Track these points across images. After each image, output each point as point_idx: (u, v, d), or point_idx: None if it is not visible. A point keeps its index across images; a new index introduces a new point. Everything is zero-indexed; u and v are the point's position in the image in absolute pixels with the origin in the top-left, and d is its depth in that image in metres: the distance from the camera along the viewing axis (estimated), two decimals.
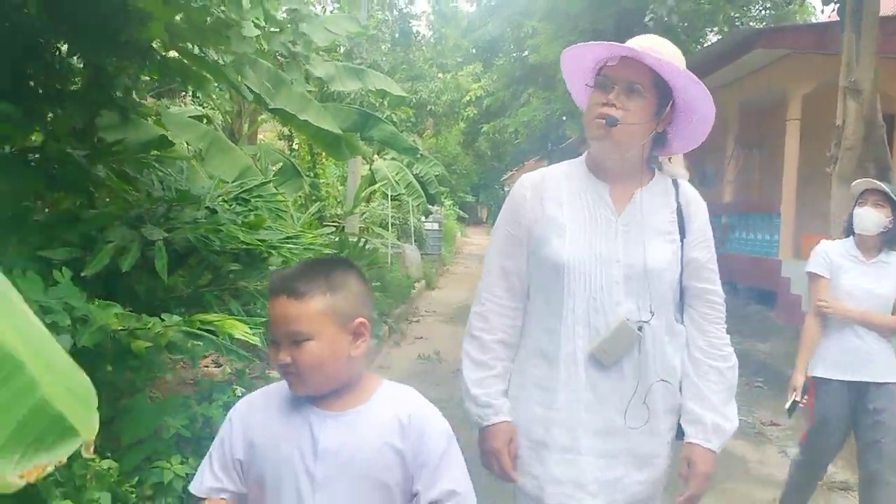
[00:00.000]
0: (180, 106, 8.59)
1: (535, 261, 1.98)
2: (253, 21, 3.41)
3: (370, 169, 15.24)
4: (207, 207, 3.70)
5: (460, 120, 24.84)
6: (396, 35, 15.41)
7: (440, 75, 20.69)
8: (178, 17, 2.95)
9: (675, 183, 2.01)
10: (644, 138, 1.91)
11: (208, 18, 2.69)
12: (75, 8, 2.53)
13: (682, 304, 1.99)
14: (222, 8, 2.68)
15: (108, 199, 3.42)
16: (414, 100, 19.38)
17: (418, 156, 11.86)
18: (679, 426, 1.99)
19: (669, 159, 2.07)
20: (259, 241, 3.42)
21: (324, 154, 11.37)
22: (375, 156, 16.05)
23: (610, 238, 1.92)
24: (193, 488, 1.52)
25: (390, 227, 13.89)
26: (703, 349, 1.97)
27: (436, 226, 20.27)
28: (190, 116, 6.20)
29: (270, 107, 5.26)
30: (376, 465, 1.44)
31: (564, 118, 15.98)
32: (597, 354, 1.88)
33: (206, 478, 1.51)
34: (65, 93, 3.22)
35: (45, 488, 2.23)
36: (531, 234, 1.98)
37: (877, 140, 6.73)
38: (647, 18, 11.22)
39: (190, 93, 8.49)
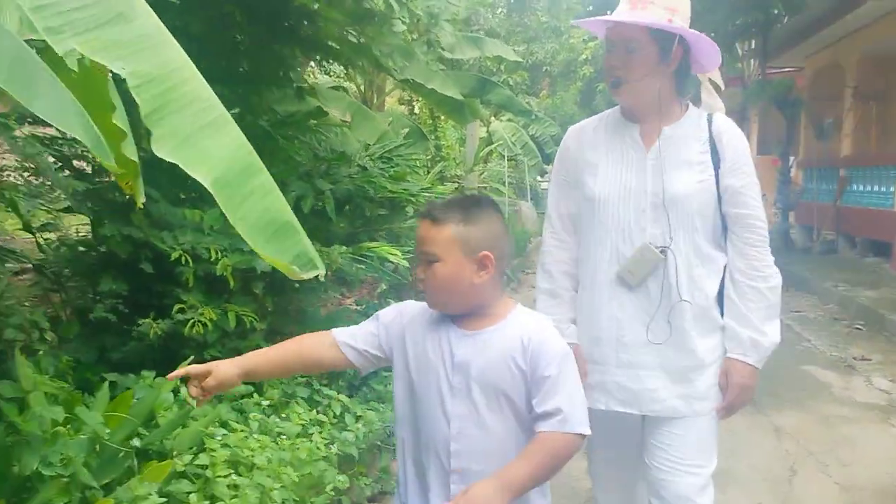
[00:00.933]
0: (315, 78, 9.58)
1: (578, 201, 2.20)
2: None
3: (487, 131, 15.95)
4: (359, 165, 4.56)
5: (577, 80, 25.02)
6: (511, 1, 15.94)
7: (552, 36, 20.99)
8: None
9: (708, 117, 2.14)
10: (657, 83, 2.06)
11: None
12: (269, 8, 3.33)
13: (724, 231, 2.13)
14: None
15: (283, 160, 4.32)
16: (529, 62, 19.86)
17: (533, 117, 12.42)
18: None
19: (704, 78, 2.24)
20: (402, 190, 4.24)
21: (443, 118, 12.16)
22: (492, 118, 16.71)
23: (639, 172, 2.09)
24: (334, 333, 1.76)
25: (507, 186, 14.58)
26: (743, 270, 2.09)
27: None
28: (329, 87, 7.14)
29: (401, 78, 6.08)
30: (501, 378, 1.61)
31: None
32: (623, 275, 2.08)
33: (349, 332, 1.75)
34: (251, 75, 4.13)
35: None
36: (574, 178, 2.21)
37: None
38: None
39: (323, 67, 9.46)
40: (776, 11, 12.45)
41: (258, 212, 1.76)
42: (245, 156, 1.81)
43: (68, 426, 2.34)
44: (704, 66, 2.16)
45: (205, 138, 1.71)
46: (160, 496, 2.26)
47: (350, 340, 1.72)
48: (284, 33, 3.50)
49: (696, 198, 2.05)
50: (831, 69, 13.08)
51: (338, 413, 3.37)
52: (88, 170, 3.74)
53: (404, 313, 1.74)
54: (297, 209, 3.84)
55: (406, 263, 3.56)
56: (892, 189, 10.54)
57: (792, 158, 13.81)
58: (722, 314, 2.12)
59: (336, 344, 1.72)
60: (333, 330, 1.75)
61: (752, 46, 14.00)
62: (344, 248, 3.64)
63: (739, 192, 2.08)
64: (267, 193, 1.82)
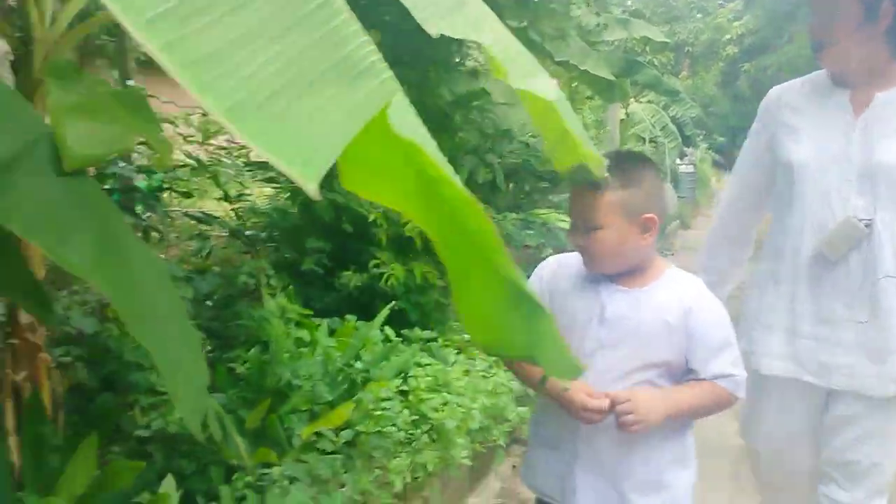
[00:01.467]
0: None
1: (776, 166, 2.13)
2: None
3: (626, 112, 15.94)
4: (521, 141, 4.94)
5: (719, 60, 24.38)
6: None
7: (699, 15, 20.57)
8: None
9: None
10: (866, 43, 1.95)
11: None
12: None
13: None
14: None
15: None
16: (672, 42, 19.57)
17: (678, 98, 12.41)
18: None
19: None
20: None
21: (581, 101, 12.36)
22: (632, 99, 16.67)
23: (845, 139, 1.98)
24: None
25: None
26: None
27: (690, 168, 20.43)
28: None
29: (558, 59, 6.39)
30: (653, 338, 1.58)
31: None
32: (823, 248, 1.97)
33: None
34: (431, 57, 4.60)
35: None
36: (773, 142, 2.14)
37: None
38: None
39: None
40: None
41: None
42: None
43: (305, 349, 2.86)
44: None
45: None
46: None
47: None
48: None
49: None
50: None
51: None
52: None
53: (544, 273, 1.76)
54: (469, 181, 4.27)
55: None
56: None
57: None
58: None
59: None
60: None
61: None
62: (514, 215, 4.03)
63: None
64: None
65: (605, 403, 1.53)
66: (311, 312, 3.23)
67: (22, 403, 1.95)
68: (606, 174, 1.49)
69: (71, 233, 1.38)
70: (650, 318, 1.59)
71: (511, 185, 4.83)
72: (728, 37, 22.64)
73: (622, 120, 14.33)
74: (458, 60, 4.86)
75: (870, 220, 1.93)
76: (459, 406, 2.81)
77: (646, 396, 1.55)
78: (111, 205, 1.60)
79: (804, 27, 12.05)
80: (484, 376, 3.19)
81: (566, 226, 4.45)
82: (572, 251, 1.70)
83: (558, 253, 1.89)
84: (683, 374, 1.62)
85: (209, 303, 3.48)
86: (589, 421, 1.55)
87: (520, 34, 5.32)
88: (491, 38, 1.24)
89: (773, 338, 2.08)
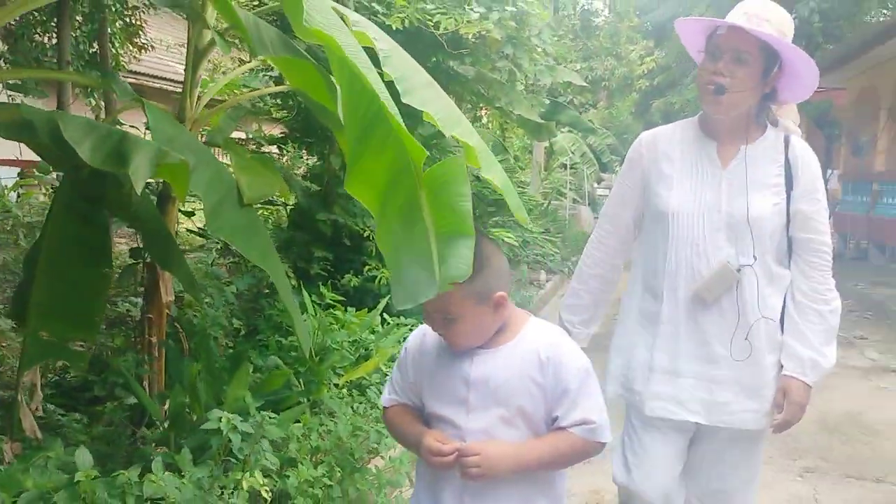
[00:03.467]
0: None
1: (647, 211, 2.25)
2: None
3: (549, 142, 17.48)
4: (473, 175, 6.22)
5: (633, 91, 26.31)
6: (579, 30, 17.57)
7: (615, 53, 22.45)
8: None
9: (786, 139, 2.16)
10: (752, 100, 2.10)
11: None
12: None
13: (789, 252, 2.17)
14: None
15: None
16: (589, 77, 21.33)
17: (595, 132, 13.98)
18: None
19: (777, 109, 2.24)
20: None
21: (509, 131, 13.84)
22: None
23: (714, 189, 2.12)
24: (383, 400, 1.84)
25: (567, 192, 16.11)
26: (806, 293, 2.13)
27: (607, 192, 22.27)
28: None
29: (496, 105, 7.71)
30: (519, 394, 1.63)
31: None
32: (700, 293, 2.11)
33: (390, 392, 1.80)
34: None
35: None
36: (645, 187, 2.23)
37: None
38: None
39: None
40: (819, 40, 13.87)
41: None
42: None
43: (335, 324, 4.04)
44: (786, 98, 2.19)
45: None
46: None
47: (396, 398, 1.79)
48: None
49: (770, 220, 2.10)
50: (868, 92, 14.33)
51: None
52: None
53: (410, 345, 1.79)
54: None
55: (517, 244, 5.19)
56: None
57: (830, 171, 15.07)
58: (782, 332, 2.16)
59: (400, 408, 1.78)
60: (381, 399, 1.87)
61: None
62: None
63: (811, 218, 2.13)
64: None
65: (452, 452, 1.59)
66: (343, 299, 4.39)
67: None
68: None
69: (247, 234, 2.57)
70: (514, 377, 1.63)
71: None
72: (639, 71, 24.57)
73: (546, 148, 15.83)
74: None
75: (740, 265, 2.08)
76: None
77: (496, 450, 1.60)
78: (261, 221, 2.78)
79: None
80: None
81: (512, 241, 5.80)
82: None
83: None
84: (551, 423, 1.66)
85: (247, 295, 4.62)
86: (439, 466, 1.63)
87: (468, 87, 6.59)
88: (437, 108, 1.73)
89: (654, 378, 2.17)
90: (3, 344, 3.75)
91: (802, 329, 2.12)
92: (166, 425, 2.81)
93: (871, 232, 13.36)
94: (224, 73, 6.92)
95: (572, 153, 18.22)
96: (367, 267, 4.94)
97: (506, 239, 5.14)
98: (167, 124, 2.52)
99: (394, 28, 4.31)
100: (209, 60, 4.96)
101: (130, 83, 3.36)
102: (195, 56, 3.15)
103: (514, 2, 4.67)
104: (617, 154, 23.10)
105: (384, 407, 1.83)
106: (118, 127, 2.89)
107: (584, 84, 10.32)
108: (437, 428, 1.68)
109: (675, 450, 2.25)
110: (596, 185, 20.83)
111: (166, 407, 3.10)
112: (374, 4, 4.52)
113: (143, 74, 12.52)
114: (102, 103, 5.99)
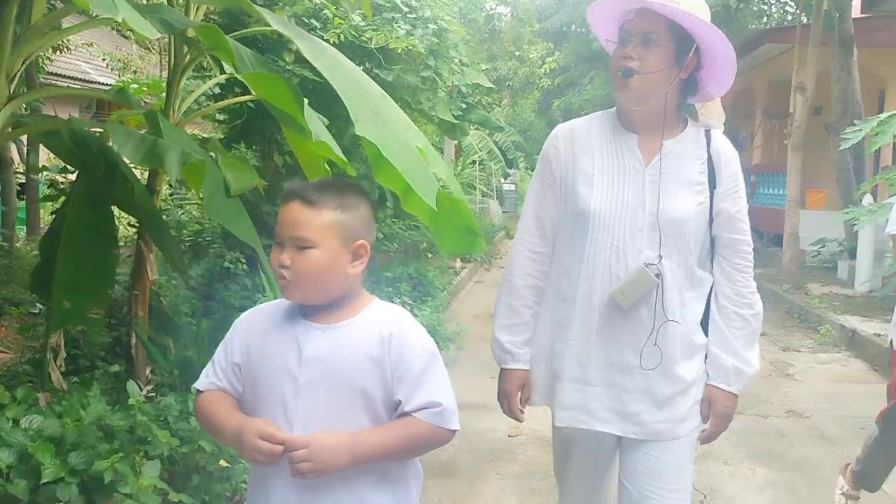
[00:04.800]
0: None
1: (563, 209, 2.08)
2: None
3: (459, 140, 18.37)
4: None
5: (535, 90, 27.50)
6: (485, 35, 18.51)
7: (517, 54, 23.54)
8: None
9: (707, 134, 2.04)
10: (665, 86, 1.95)
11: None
12: None
13: (711, 253, 2.05)
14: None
15: None
16: (493, 77, 22.35)
17: (503, 130, 14.88)
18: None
19: (701, 108, 2.11)
20: None
21: (422, 129, 14.66)
22: None
23: (637, 188, 1.98)
24: (198, 384, 1.63)
25: (476, 187, 17.03)
26: (730, 297, 2.02)
27: (512, 186, 23.43)
28: None
29: (415, 107, 8.44)
30: (356, 374, 1.51)
31: None
32: (616, 297, 1.95)
33: (210, 375, 1.62)
34: None
35: None
36: (562, 184, 2.07)
37: (855, 115, 9.24)
38: None
39: None
40: None
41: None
42: None
43: None
44: (710, 92, 2.07)
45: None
46: None
47: (217, 381, 1.61)
48: None
49: (694, 221, 1.99)
50: (745, 93, 15.82)
51: None
52: None
53: (239, 326, 1.64)
54: (382, 195, 6.20)
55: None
56: (783, 192, 13.24)
57: None
58: (705, 335, 2.06)
59: (219, 393, 1.60)
60: (196, 383, 1.65)
61: None
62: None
63: (734, 217, 2.02)
64: None
65: (278, 448, 1.44)
66: None
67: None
68: (326, 193, 1.50)
69: (236, 218, 3.22)
70: (352, 356, 1.51)
71: (392, 201, 6.79)
72: (542, 70, 25.78)
73: (455, 145, 16.67)
74: None
75: (660, 269, 1.95)
76: None
77: (328, 442, 1.46)
78: (244, 208, 3.42)
79: (602, 72, 15.07)
80: None
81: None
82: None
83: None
84: (393, 410, 1.54)
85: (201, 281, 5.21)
86: (264, 464, 1.47)
87: (395, 94, 7.29)
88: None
89: (562, 387, 2.06)
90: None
91: (726, 335, 2.04)
92: (176, 373, 3.42)
93: (749, 219, 14.79)
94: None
95: (479, 150, 19.16)
96: None
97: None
98: (173, 131, 3.14)
99: (331, 42, 4.95)
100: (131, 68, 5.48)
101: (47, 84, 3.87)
102: (176, 70, 3.75)
103: (434, 20, 5.40)
104: (521, 150, 24.25)
105: (196, 391, 1.62)
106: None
107: (492, 86, 11.14)
108: (261, 416, 1.51)
109: (592, 462, 2.19)
110: (503, 180, 21.90)
111: (149, 372, 3.72)
112: (312, 21, 5.16)
113: (58, 76, 12.66)
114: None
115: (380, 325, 1.55)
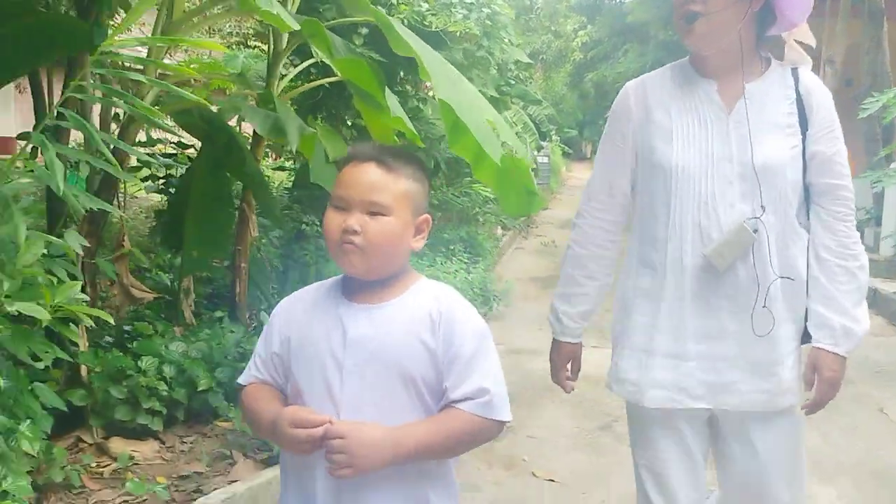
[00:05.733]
0: None
1: (643, 172, 1.93)
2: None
3: (501, 112, 18.87)
4: None
5: (567, 63, 27.78)
6: (522, 10, 18.99)
7: (552, 28, 23.89)
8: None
9: (794, 72, 1.88)
10: (737, 22, 1.78)
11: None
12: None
13: (806, 203, 1.88)
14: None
15: None
16: (527, 50, 22.74)
17: (541, 105, 15.37)
18: (805, 331, 1.88)
19: (788, 37, 1.92)
20: None
21: None
22: None
23: (722, 137, 1.82)
24: (240, 378, 1.56)
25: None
26: (832, 249, 1.85)
27: (545, 159, 23.81)
28: None
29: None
30: (404, 357, 1.41)
31: (661, 64, 19.16)
32: (712, 259, 1.79)
33: (252, 369, 1.54)
34: None
35: None
36: (638, 143, 1.93)
37: (885, 86, 9.56)
38: None
39: None
40: None
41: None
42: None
43: None
44: (791, 17, 1.88)
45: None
46: None
47: (259, 375, 1.53)
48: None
49: (790, 166, 1.83)
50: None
51: None
52: None
53: (276, 319, 1.54)
54: None
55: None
56: None
57: None
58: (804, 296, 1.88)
59: (260, 386, 1.52)
60: (239, 378, 1.58)
61: None
62: (450, 188, 6.59)
63: (831, 160, 1.86)
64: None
65: (316, 432, 1.34)
66: None
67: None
68: (402, 160, 1.43)
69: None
70: (400, 337, 1.42)
71: (446, 170, 7.38)
72: (574, 43, 26.06)
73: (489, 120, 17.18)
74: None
75: (758, 224, 1.79)
76: None
77: (368, 437, 1.34)
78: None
79: (636, 44, 15.47)
80: None
81: (489, 193, 7.06)
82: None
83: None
84: (440, 398, 1.43)
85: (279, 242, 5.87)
86: (302, 448, 1.36)
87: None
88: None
89: (654, 363, 1.89)
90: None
91: (831, 292, 1.84)
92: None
93: None
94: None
95: (514, 124, 19.63)
96: None
97: (481, 192, 6.46)
98: (284, 108, 3.74)
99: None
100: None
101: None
102: (276, 55, 4.35)
103: (487, 4, 5.94)
104: (553, 123, 24.63)
105: (240, 385, 1.56)
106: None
107: (530, 62, 11.63)
108: (306, 404, 1.42)
109: (685, 442, 1.93)
110: (536, 152, 22.31)
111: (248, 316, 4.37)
112: (378, 6, 5.73)
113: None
114: None
115: (429, 304, 1.45)
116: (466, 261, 6.67)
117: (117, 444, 2.99)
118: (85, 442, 3.00)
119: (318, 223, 6.04)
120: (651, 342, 1.91)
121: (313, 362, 1.45)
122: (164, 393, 3.14)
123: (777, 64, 1.90)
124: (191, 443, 3.18)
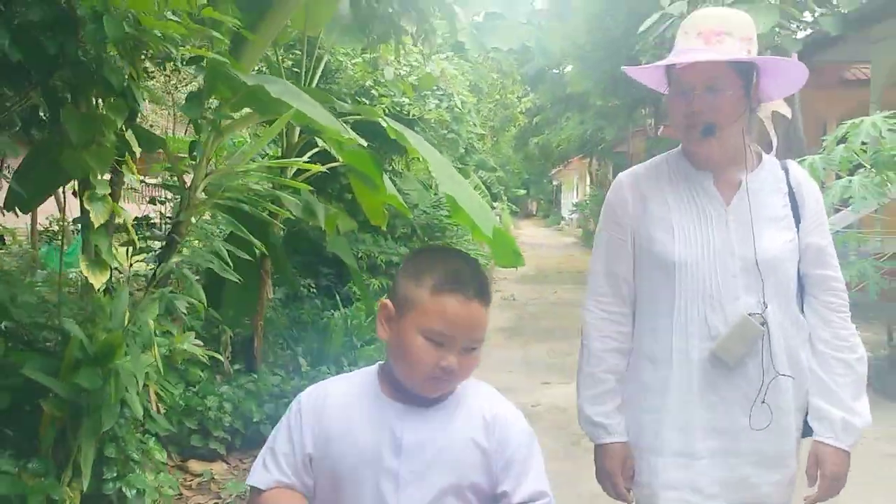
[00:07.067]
0: None
1: (642, 262, 1.91)
2: None
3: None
4: (424, 210, 8.45)
5: (513, 127, 29.29)
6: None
7: (500, 99, 25.44)
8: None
9: (783, 166, 1.92)
10: (744, 122, 1.83)
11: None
12: None
13: (800, 294, 1.89)
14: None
15: None
16: (478, 118, 24.18)
17: (495, 171, 16.56)
18: (805, 423, 1.89)
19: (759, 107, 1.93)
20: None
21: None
22: None
23: (721, 230, 1.83)
24: (255, 481, 1.39)
25: None
26: (828, 341, 1.86)
27: (497, 219, 24.94)
28: None
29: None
30: (462, 462, 1.36)
31: (600, 130, 20.77)
32: (720, 354, 1.79)
33: (272, 471, 1.38)
34: None
35: None
36: (636, 231, 1.91)
37: (799, 149, 10.77)
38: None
39: None
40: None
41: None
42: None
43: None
44: (779, 89, 1.89)
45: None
46: None
47: (284, 479, 1.38)
48: None
49: (790, 259, 1.84)
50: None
51: None
52: None
53: (305, 410, 1.42)
54: (391, 230, 7.73)
55: None
56: None
57: None
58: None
59: (282, 491, 1.37)
60: (251, 479, 1.42)
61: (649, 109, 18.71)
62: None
63: (824, 251, 1.88)
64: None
65: None
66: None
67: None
68: (486, 287, 1.39)
69: (345, 250, 4.74)
70: (456, 440, 1.37)
71: (422, 233, 8.30)
72: (518, 110, 27.60)
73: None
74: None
75: (764, 317, 1.78)
76: None
77: None
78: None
79: (576, 113, 16.88)
80: None
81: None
82: None
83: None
84: (495, 499, 1.38)
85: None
86: None
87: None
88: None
89: (664, 464, 1.84)
90: None
91: (829, 384, 1.84)
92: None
93: None
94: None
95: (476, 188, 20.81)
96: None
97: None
98: (307, 193, 4.63)
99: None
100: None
101: None
102: (289, 148, 5.26)
103: (455, 95, 7.02)
104: (503, 184, 25.97)
105: (251, 487, 1.41)
106: None
107: (483, 132, 12.81)
108: None
109: None
110: None
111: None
112: (362, 99, 6.71)
113: None
114: None
115: (480, 405, 1.41)
116: None
117: (194, 465, 3.76)
118: (166, 464, 3.76)
119: (314, 285, 6.89)
120: (657, 440, 1.86)
121: (359, 470, 1.35)
122: (227, 424, 3.94)
123: (768, 157, 1.94)
124: (249, 463, 3.96)
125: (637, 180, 1.97)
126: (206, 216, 5.52)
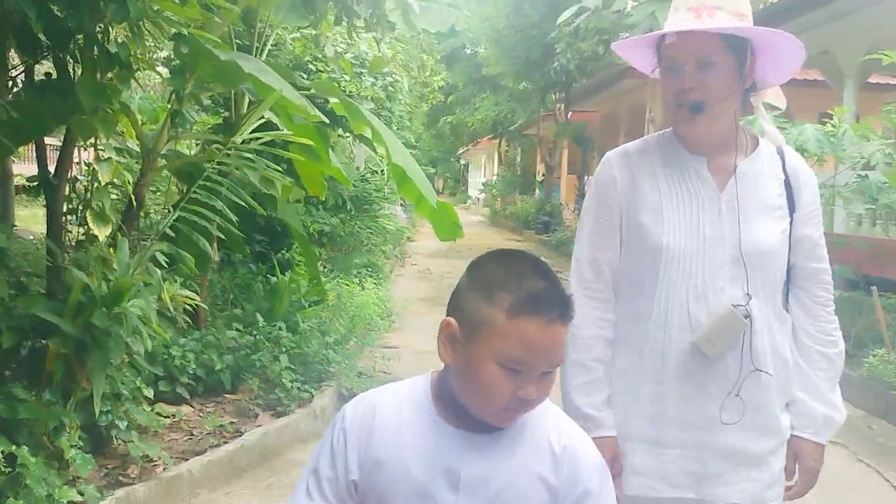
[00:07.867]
0: None
1: (629, 244, 1.83)
2: None
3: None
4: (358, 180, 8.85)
5: (425, 104, 29.68)
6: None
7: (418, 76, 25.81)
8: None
9: (779, 152, 1.84)
10: (736, 101, 1.76)
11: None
12: None
13: (786, 286, 1.83)
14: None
15: None
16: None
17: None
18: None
19: (756, 95, 1.87)
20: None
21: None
22: None
23: (713, 218, 1.75)
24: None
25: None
26: (813, 335, 1.82)
27: None
28: None
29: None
30: (528, 501, 1.23)
31: (512, 112, 21.45)
32: (700, 345, 1.72)
33: (315, 497, 1.26)
34: None
35: None
36: (624, 213, 1.82)
37: None
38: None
39: None
40: (575, 74, 17.95)
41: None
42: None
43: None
44: (776, 74, 1.83)
45: None
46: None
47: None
48: None
49: (781, 250, 1.77)
50: (611, 116, 18.60)
51: None
52: None
53: (351, 429, 1.27)
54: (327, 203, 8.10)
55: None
56: None
57: (587, 177, 19.34)
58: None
59: None
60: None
61: (560, 95, 19.52)
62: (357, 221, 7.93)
63: (817, 244, 1.82)
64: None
65: None
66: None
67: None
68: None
69: (294, 217, 5.15)
70: (520, 473, 1.23)
71: (352, 206, 8.67)
72: (432, 87, 27.99)
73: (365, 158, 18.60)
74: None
75: (748, 310, 1.71)
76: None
77: None
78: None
79: (490, 94, 17.59)
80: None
81: (390, 226, 8.40)
82: None
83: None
84: None
85: None
86: None
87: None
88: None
89: (633, 449, 1.79)
90: None
91: (812, 378, 1.81)
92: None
93: None
94: None
95: (380, 160, 21.12)
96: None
97: (386, 224, 7.90)
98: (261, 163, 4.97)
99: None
100: None
101: None
102: (238, 117, 5.55)
103: (390, 74, 7.41)
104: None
105: None
106: None
107: (410, 110, 13.21)
108: None
109: None
110: None
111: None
112: (300, 73, 7.02)
113: None
114: None
115: (546, 432, 1.27)
116: (375, 282, 8.02)
117: (164, 407, 4.10)
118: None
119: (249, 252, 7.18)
120: (628, 426, 1.80)
121: (411, 502, 1.23)
122: (192, 371, 4.29)
123: (764, 142, 1.86)
124: (212, 407, 4.33)
125: (627, 159, 1.86)
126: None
